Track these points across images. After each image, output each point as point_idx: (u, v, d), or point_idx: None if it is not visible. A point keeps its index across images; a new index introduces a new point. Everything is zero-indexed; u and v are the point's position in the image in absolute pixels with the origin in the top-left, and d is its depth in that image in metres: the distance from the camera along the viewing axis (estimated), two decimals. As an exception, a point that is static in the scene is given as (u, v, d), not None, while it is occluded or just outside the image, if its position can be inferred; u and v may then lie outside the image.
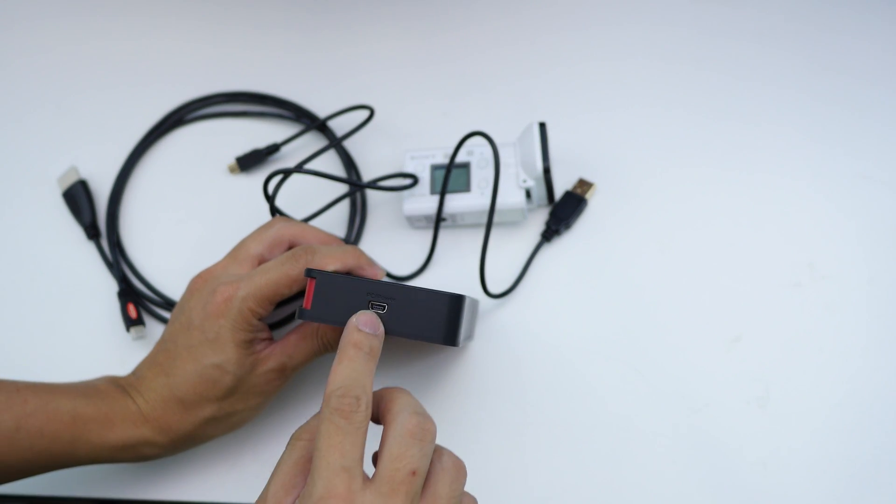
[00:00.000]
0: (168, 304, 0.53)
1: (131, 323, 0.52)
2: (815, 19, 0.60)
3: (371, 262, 0.46)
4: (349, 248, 0.45)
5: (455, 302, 0.37)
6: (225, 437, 0.49)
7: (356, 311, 0.36)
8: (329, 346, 0.45)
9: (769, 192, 0.54)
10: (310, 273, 0.38)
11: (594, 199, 0.54)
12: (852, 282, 0.50)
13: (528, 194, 0.52)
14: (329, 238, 0.47)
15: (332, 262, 0.43)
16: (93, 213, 0.56)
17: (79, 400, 0.42)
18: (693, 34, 0.60)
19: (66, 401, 0.42)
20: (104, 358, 0.52)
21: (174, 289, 0.54)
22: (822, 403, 0.47)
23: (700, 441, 0.47)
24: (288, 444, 0.35)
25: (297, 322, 0.48)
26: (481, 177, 0.52)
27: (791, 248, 0.52)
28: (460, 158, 0.53)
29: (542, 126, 0.51)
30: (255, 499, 0.47)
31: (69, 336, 0.53)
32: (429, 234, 0.54)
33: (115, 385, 0.44)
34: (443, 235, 0.54)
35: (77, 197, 0.56)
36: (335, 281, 0.37)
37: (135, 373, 0.45)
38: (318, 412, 0.34)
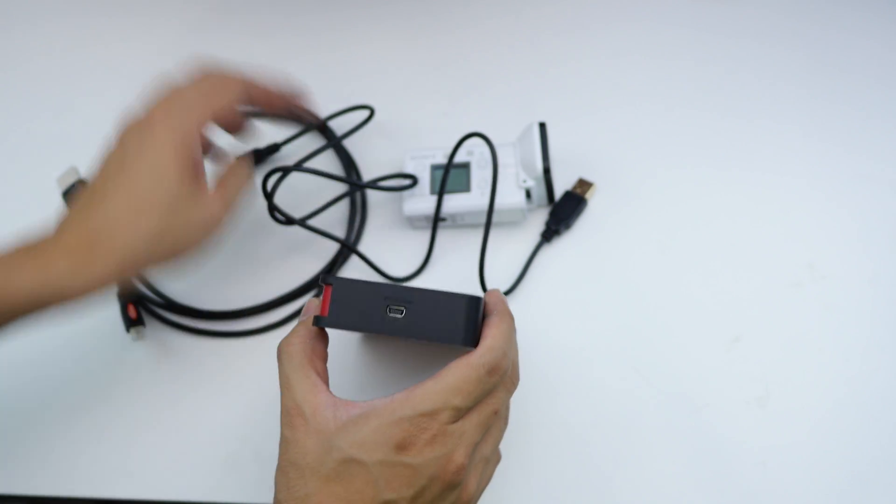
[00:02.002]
0: (168, 304, 0.53)
1: (131, 323, 0.52)
2: (816, 18, 0.60)
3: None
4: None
5: (473, 303, 0.37)
6: (225, 437, 0.49)
7: (373, 316, 0.36)
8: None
9: (769, 192, 0.54)
10: (325, 280, 0.38)
11: (594, 200, 0.54)
12: (852, 282, 0.50)
13: (528, 194, 0.52)
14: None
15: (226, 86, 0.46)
16: (93, 213, 0.56)
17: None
18: (693, 33, 0.60)
19: None
20: (104, 358, 0.52)
21: (174, 289, 0.54)
22: (822, 403, 0.47)
23: (700, 441, 0.47)
24: (281, 356, 0.37)
25: None
26: (481, 177, 0.52)
27: (791, 248, 0.52)
28: (460, 158, 0.53)
29: (542, 126, 0.51)
30: (254, 499, 0.47)
31: (69, 336, 0.53)
32: (429, 235, 0.54)
33: (13, 249, 0.40)
34: (443, 235, 0.54)
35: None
36: (352, 287, 0.37)
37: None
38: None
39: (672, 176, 0.55)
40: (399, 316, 0.37)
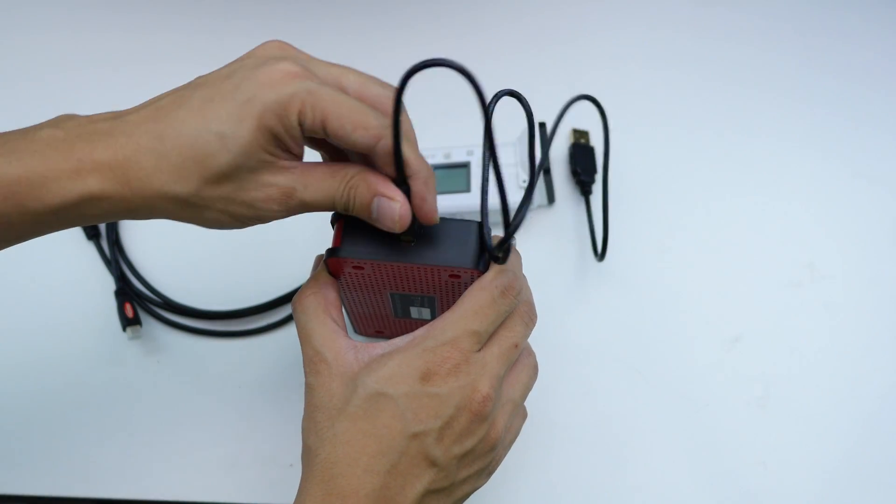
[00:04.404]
0: (167, 304, 0.53)
1: (128, 322, 0.51)
2: (815, 19, 0.60)
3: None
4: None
5: (482, 229, 0.37)
6: (225, 437, 0.49)
7: (385, 245, 0.36)
8: (351, 204, 0.35)
9: (769, 192, 0.54)
10: (338, 215, 0.38)
11: (593, 200, 0.54)
12: (852, 282, 0.50)
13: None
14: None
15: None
16: (92, 212, 0.56)
17: (2, 159, 0.33)
18: (692, 37, 0.60)
19: None
20: (104, 358, 0.52)
21: (174, 289, 0.54)
22: (822, 403, 0.47)
23: (700, 441, 0.47)
24: (297, 309, 0.37)
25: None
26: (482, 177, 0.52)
27: (791, 248, 0.52)
28: (460, 158, 0.53)
29: (543, 126, 0.51)
30: (254, 499, 0.47)
31: (69, 336, 0.53)
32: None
33: (64, 130, 0.35)
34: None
35: (77, 197, 0.56)
36: (363, 220, 0.37)
37: (118, 115, 0.36)
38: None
39: (672, 176, 0.55)
40: (411, 243, 0.36)
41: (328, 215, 0.54)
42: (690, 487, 0.46)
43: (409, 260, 0.36)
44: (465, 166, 0.52)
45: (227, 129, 0.33)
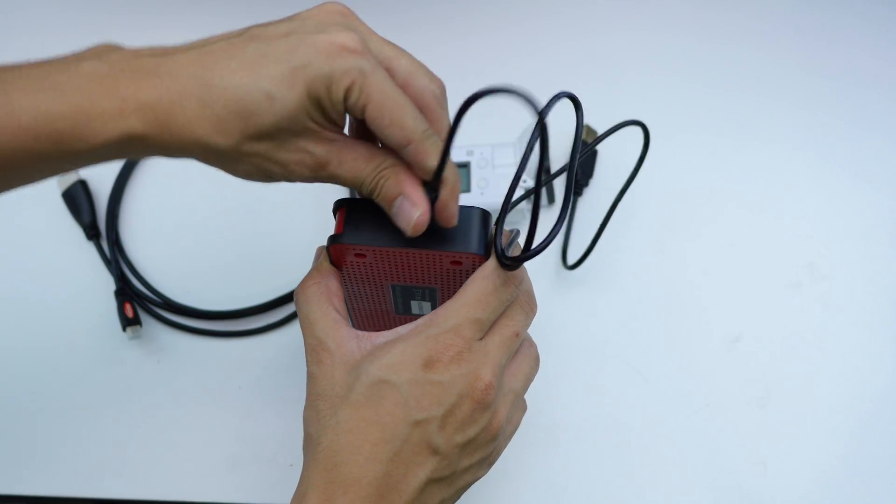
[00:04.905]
0: (167, 304, 0.53)
1: (128, 322, 0.51)
2: (815, 20, 0.60)
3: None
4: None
5: (486, 216, 0.37)
6: (225, 437, 0.49)
7: (387, 231, 0.36)
8: (376, 194, 0.35)
9: (769, 192, 0.54)
10: (340, 202, 0.37)
11: (594, 200, 0.54)
12: (852, 282, 0.50)
13: (528, 194, 0.52)
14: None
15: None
16: (92, 213, 0.56)
17: (44, 94, 0.31)
18: (691, 39, 0.60)
19: (25, 97, 0.31)
20: (104, 358, 0.52)
21: (174, 289, 0.54)
22: (822, 403, 0.47)
23: (700, 441, 0.47)
24: (299, 299, 0.37)
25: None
26: (481, 176, 0.52)
27: (791, 248, 0.52)
28: (460, 158, 0.53)
29: (543, 126, 0.51)
30: (254, 499, 0.47)
31: (69, 336, 0.53)
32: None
33: (108, 63, 0.33)
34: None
35: (76, 197, 0.56)
36: (365, 205, 0.37)
37: (166, 52, 0.34)
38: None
39: (672, 176, 0.55)
40: None
41: (328, 217, 0.54)
42: (690, 487, 0.46)
43: (411, 246, 0.36)
44: (464, 166, 0.52)
45: (277, 90, 0.32)
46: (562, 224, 0.33)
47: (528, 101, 0.30)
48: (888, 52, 0.58)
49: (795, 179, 0.54)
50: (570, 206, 0.35)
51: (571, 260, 0.51)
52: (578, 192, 0.53)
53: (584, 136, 0.55)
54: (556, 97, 0.34)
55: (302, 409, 0.36)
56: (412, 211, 0.34)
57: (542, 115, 0.31)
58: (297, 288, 0.38)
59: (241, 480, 0.48)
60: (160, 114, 0.32)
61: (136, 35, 0.64)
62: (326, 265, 0.38)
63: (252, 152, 0.34)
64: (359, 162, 0.35)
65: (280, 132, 0.33)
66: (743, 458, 0.46)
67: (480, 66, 0.60)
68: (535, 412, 0.48)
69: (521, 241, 0.35)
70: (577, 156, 0.35)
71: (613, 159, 0.54)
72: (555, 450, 0.47)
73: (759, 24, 0.60)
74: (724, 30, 0.60)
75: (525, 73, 0.60)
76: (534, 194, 0.33)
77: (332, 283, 0.38)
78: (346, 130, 0.37)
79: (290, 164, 0.34)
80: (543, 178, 0.34)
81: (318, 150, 0.34)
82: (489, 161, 0.52)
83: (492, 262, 0.35)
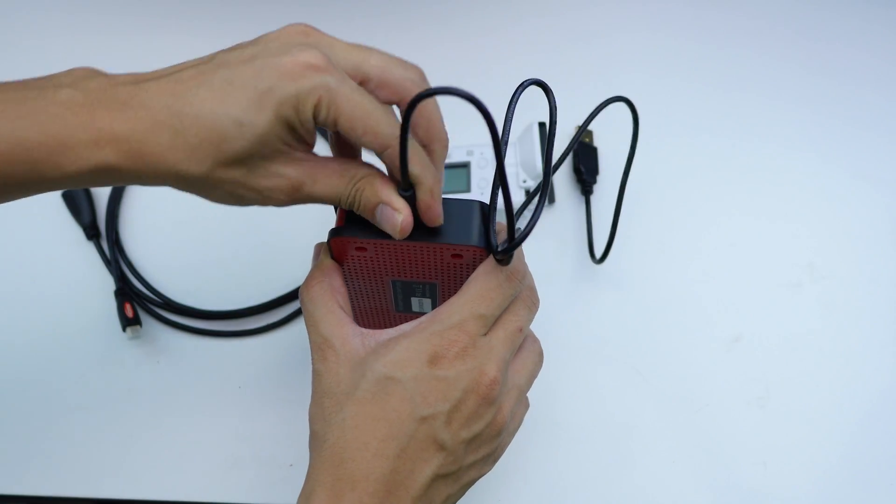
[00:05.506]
0: (167, 304, 0.53)
1: (127, 322, 0.51)
2: (814, 20, 0.60)
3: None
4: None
5: (486, 209, 0.37)
6: (225, 437, 0.49)
7: None
8: (356, 206, 0.36)
9: (769, 193, 0.54)
10: None
11: (608, 198, 0.54)
12: (852, 282, 0.50)
13: (527, 194, 0.52)
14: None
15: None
16: (92, 213, 0.56)
17: (21, 122, 0.32)
18: (692, 39, 0.60)
19: (2, 122, 0.32)
20: (102, 357, 0.52)
21: (174, 289, 0.54)
22: (822, 403, 0.47)
23: (700, 441, 0.47)
24: (304, 298, 0.37)
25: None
26: (481, 176, 0.52)
27: (791, 248, 0.52)
28: (460, 158, 0.53)
29: (542, 126, 0.51)
30: (254, 499, 0.47)
31: (69, 336, 0.53)
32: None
33: (84, 93, 0.34)
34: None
35: (76, 197, 0.56)
36: None
37: (138, 80, 0.35)
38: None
39: (672, 177, 0.55)
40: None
41: (329, 217, 0.54)
42: (690, 487, 0.46)
43: (412, 238, 0.36)
44: (465, 166, 0.52)
45: (246, 116, 0.33)
46: (542, 207, 0.33)
47: (473, 101, 0.30)
48: (888, 52, 0.58)
49: (796, 179, 0.54)
50: (547, 187, 0.35)
51: (597, 255, 0.51)
52: (588, 191, 0.53)
53: (581, 137, 0.55)
54: (522, 85, 0.34)
55: (304, 408, 0.36)
56: (394, 216, 0.34)
57: (511, 105, 0.32)
58: (301, 287, 0.38)
59: (241, 480, 0.48)
60: (134, 144, 0.33)
61: (136, 33, 0.65)
62: (328, 262, 0.38)
63: (225, 179, 0.34)
64: (332, 178, 0.36)
65: (252, 157, 0.34)
66: (743, 458, 0.46)
67: (480, 66, 0.61)
68: (536, 412, 0.48)
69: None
70: (554, 140, 0.36)
71: (618, 158, 0.54)
72: (555, 449, 0.47)
73: (758, 23, 0.60)
74: (725, 30, 0.60)
75: (525, 73, 0.59)
76: (500, 185, 0.33)
77: (336, 281, 0.38)
78: (328, 145, 0.38)
79: (266, 190, 0.35)
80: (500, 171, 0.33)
81: (290, 172, 0.35)
82: (489, 161, 0.52)
83: (493, 258, 0.36)
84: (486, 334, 0.35)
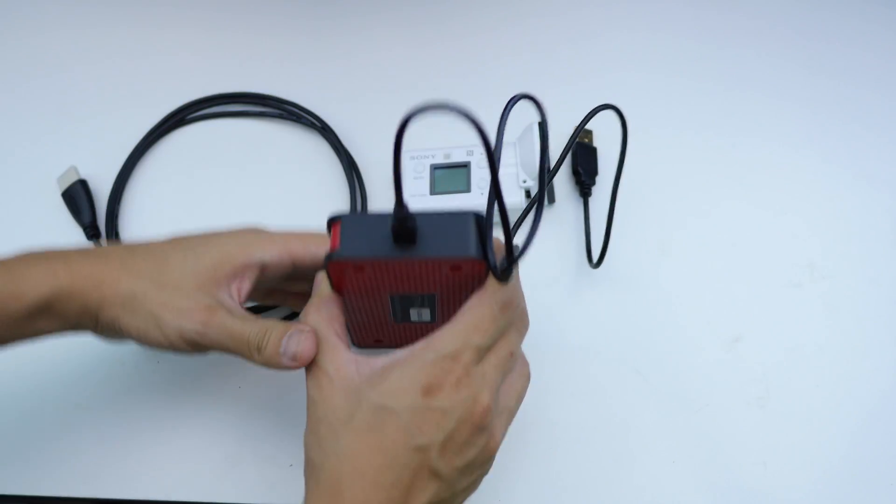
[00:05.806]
0: (168, 304, 0.53)
1: (130, 323, 0.52)
2: (814, 20, 0.60)
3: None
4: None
5: (479, 218, 0.36)
6: (225, 437, 0.49)
7: (384, 243, 0.36)
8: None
9: (769, 193, 0.54)
10: (334, 218, 0.37)
11: (592, 202, 0.54)
12: (852, 282, 0.50)
13: (527, 194, 0.52)
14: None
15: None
16: (93, 213, 0.56)
17: None
18: (691, 39, 0.60)
19: None
20: (102, 357, 0.52)
21: (174, 289, 0.54)
22: (822, 403, 0.47)
23: (700, 441, 0.47)
24: (312, 305, 0.39)
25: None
26: (481, 177, 0.52)
27: (791, 248, 0.52)
28: (460, 158, 0.53)
29: (541, 125, 0.51)
30: (254, 499, 0.47)
31: (68, 336, 0.53)
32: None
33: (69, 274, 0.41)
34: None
35: (76, 197, 0.56)
36: (360, 219, 0.37)
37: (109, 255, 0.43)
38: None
39: (672, 176, 0.55)
40: (408, 242, 0.36)
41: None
42: (690, 487, 0.46)
43: (409, 255, 0.35)
44: (465, 166, 0.52)
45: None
46: (538, 222, 0.33)
47: (467, 117, 0.30)
48: (888, 52, 0.58)
49: (796, 179, 0.54)
50: (543, 199, 0.35)
51: (595, 258, 0.51)
52: (587, 193, 0.53)
53: (580, 138, 0.55)
54: (512, 100, 0.34)
55: (303, 408, 0.36)
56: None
57: (501, 121, 0.32)
58: (300, 315, 0.39)
59: (241, 480, 0.48)
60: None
61: (137, 34, 0.65)
62: (327, 291, 0.39)
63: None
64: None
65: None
66: (743, 458, 0.46)
67: (480, 66, 0.61)
68: (536, 412, 0.48)
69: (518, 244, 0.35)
70: (547, 152, 0.36)
71: (616, 159, 0.54)
72: (555, 450, 0.47)
73: (758, 23, 0.60)
74: (724, 29, 0.60)
75: (525, 73, 0.60)
76: (496, 199, 0.33)
77: (334, 310, 0.38)
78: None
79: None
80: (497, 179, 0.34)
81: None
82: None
83: (490, 286, 0.35)
84: (479, 363, 0.35)
